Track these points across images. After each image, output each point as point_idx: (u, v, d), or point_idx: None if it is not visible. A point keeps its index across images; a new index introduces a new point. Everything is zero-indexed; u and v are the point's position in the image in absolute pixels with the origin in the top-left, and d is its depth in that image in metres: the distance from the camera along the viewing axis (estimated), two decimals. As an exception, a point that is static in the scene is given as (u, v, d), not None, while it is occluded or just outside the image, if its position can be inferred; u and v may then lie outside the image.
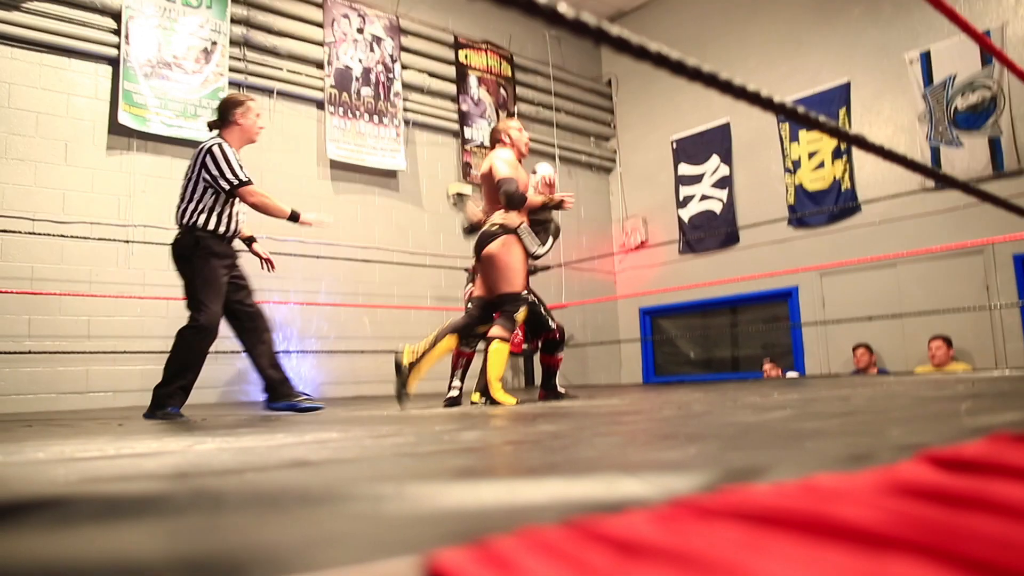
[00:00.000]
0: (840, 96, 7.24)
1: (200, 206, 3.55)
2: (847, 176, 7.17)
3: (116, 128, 5.63)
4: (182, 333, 3.49)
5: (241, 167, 3.60)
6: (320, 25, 6.85)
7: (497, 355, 3.66)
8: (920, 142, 6.64)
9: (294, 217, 3.75)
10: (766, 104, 1.01)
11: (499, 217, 3.79)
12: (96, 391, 5.32)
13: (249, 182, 3.60)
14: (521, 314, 3.77)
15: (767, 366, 7.29)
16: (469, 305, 4.03)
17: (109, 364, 5.38)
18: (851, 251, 6.77)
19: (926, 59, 6.63)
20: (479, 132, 7.80)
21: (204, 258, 3.52)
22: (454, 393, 3.80)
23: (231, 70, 6.21)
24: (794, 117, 1.12)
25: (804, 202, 7.46)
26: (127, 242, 5.53)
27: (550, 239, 3.93)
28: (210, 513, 0.67)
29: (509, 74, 8.32)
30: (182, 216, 3.57)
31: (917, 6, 6.33)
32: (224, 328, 3.68)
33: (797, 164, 7.55)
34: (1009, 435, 0.81)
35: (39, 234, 5.15)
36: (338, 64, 6.89)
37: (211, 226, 3.56)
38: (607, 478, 0.81)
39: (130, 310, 5.48)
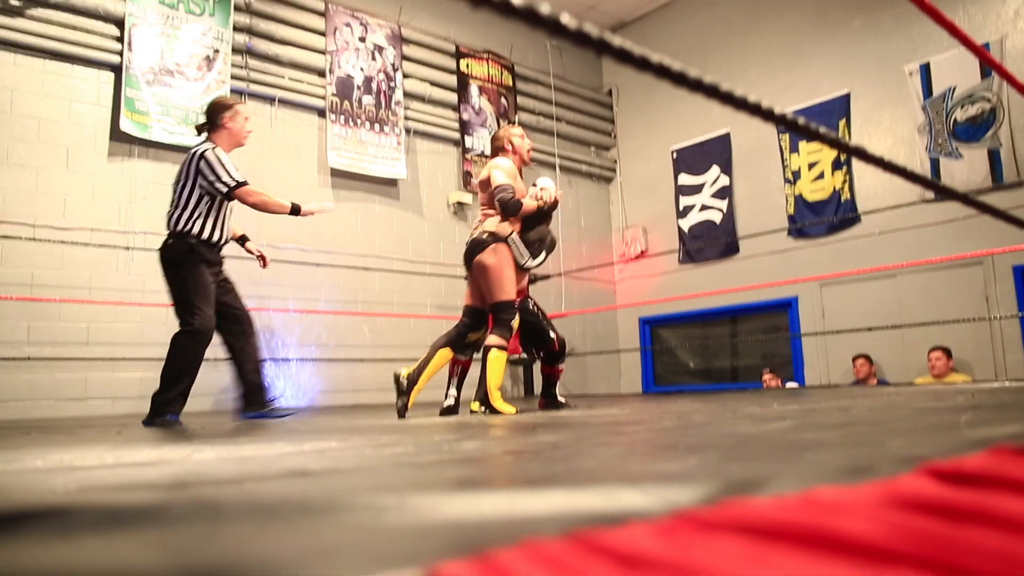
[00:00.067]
0: (840, 107, 7.27)
1: (195, 213, 3.53)
2: (847, 187, 7.18)
3: (118, 135, 5.64)
4: (177, 339, 3.47)
5: (236, 168, 3.60)
6: (322, 34, 6.88)
7: (495, 364, 3.66)
8: (920, 153, 6.66)
9: (295, 210, 3.74)
10: (767, 116, 1.02)
11: (491, 225, 3.78)
12: (95, 398, 5.31)
13: (246, 183, 3.60)
14: (515, 321, 3.77)
15: (767, 376, 7.28)
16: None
17: (108, 371, 5.38)
18: (851, 262, 6.78)
19: (926, 71, 6.66)
20: (480, 141, 7.82)
21: (195, 264, 3.51)
22: (450, 402, 3.80)
23: (233, 78, 6.23)
24: (795, 129, 1.12)
25: (804, 213, 7.47)
26: (127, 249, 5.54)
27: (543, 253, 3.91)
28: (210, 524, 0.66)
29: (510, 83, 8.35)
30: (176, 222, 3.54)
31: (917, 18, 6.36)
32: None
33: (797, 175, 7.57)
34: (1010, 448, 0.81)
35: (40, 240, 5.16)
36: (340, 72, 6.92)
37: (205, 234, 3.55)
38: (608, 489, 0.80)
39: (130, 317, 5.48)
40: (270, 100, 6.53)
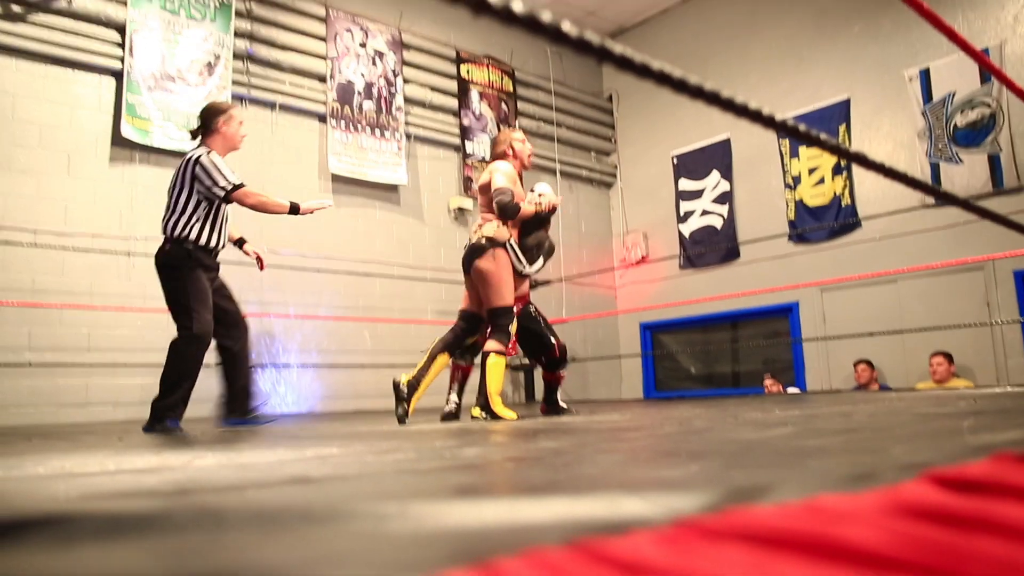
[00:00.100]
0: (840, 112, 7.28)
1: (192, 219, 3.52)
2: (847, 192, 7.19)
3: (119, 140, 5.65)
4: (176, 344, 3.45)
5: (232, 171, 3.60)
6: (323, 39, 6.90)
7: (495, 369, 3.66)
8: (920, 158, 6.67)
9: (294, 210, 3.73)
10: (767, 122, 1.02)
11: (489, 230, 3.78)
12: (96, 404, 5.31)
13: (243, 185, 3.59)
14: (514, 326, 3.78)
15: (768, 382, 7.27)
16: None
17: (109, 376, 5.37)
18: (852, 267, 6.78)
19: (925, 76, 6.67)
20: (480, 146, 7.83)
21: (192, 269, 3.50)
22: (451, 408, 3.79)
23: (234, 83, 6.24)
24: (796, 135, 1.12)
25: (804, 218, 7.48)
26: (128, 255, 5.54)
27: (541, 259, 3.90)
28: (212, 532, 0.66)
29: (510, 89, 8.36)
30: (173, 228, 3.52)
31: (916, 24, 6.37)
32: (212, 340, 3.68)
33: (797, 180, 7.57)
34: (1012, 455, 0.81)
35: (41, 246, 5.16)
36: (340, 78, 6.93)
37: (203, 240, 3.54)
38: (610, 497, 0.80)
39: (131, 322, 5.48)
40: (271, 106, 6.54)
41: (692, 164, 8.53)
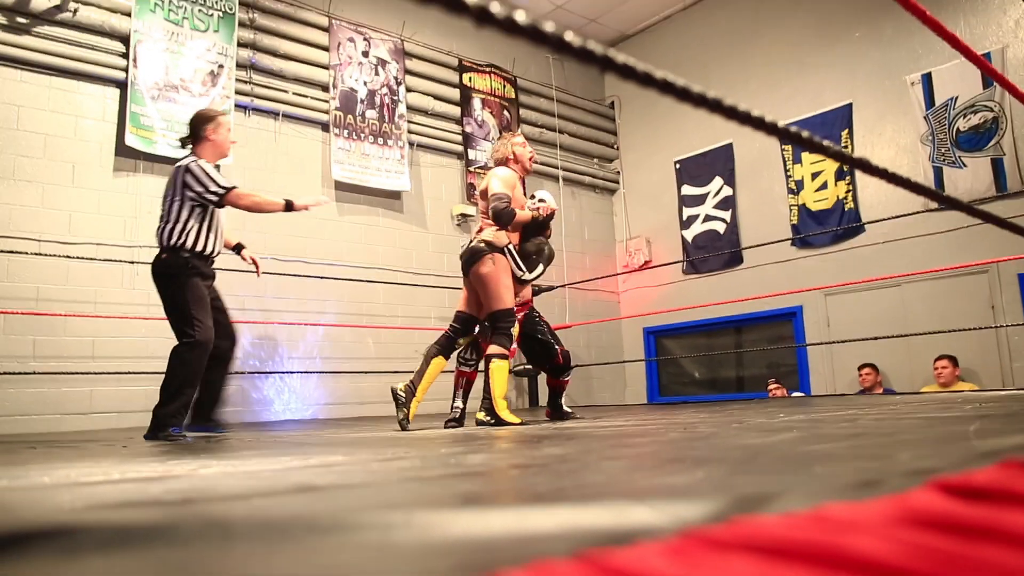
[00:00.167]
0: (843, 117, 7.28)
1: (186, 226, 3.53)
2: (850, 196, 7.18)
3: (123, 150, 5.68)
4: (178, 351, 3.45)
5: (222, 176, 3.62)
6: (325, 48, 6.93)
7: (498, 373, 3.67)
8: (923, 163, 6.66)
9: (289, 207, 3.74)
10: (770, 130, 1.02)
11: (488, 234, 3.79)
12: (100, 412, 5.32)
13: (235, 187, 3.61)
14: (515, 329, 3.78)
15: (772, 386, 7.25)
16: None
17: (114, 384, 5.38)
18: (855, 271, 6.77)
19: (927, 81, 6.67)
20: (483, 154, 7.85)
21: (190, 277, 3.51)
22: (456, 413, 3.80)
23: (237, 93, 6.27)
24: (798, 142, 1.12)
25: (807, 222, 7.47)
26: (132, 263, 5.55)
27: (540, 265, 3.91)
28: (218, 543, 0.66)
29: (513, 96, 8.38)
30: (168, 237, 3.53)
31: (918, 29, 6.38)
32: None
33: (800, 185, 7.57)
34: (1020, 461, 0.81)
35: (45, 255, 5.18)
36: (343, 87, 6.95)
37: (199, 247, 3.55)
38: (616, 505, 0.80)
39: (135, 331, 5.49)
40: (274, 115, 6.57)
41: (695, 169, 8.53)
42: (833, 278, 6.87)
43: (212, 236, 3.61)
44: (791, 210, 7.62)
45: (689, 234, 8.53)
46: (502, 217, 3.73)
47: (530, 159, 4.10)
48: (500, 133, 7.98)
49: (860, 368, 6.65)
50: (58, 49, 5.47)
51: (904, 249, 6.62)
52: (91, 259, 5.37)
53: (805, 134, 1.14)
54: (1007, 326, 5.71)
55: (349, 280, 6.67)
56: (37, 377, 5.09)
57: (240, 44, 6.35)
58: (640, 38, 9.12)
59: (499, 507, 0.93)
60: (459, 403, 3.84)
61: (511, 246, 3.80)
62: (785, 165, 7.69)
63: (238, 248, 3.99)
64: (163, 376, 3.48)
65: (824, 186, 7.38)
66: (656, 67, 0.84)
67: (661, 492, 0.98)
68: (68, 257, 5.26)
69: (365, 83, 7.11)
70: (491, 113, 8.10)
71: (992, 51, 6.30)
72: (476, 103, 7.99)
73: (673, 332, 8.79)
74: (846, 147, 7.18)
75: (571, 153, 8.90)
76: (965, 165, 6.42)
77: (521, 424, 3.57)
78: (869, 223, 6.87)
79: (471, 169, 7.79)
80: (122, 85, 5.73)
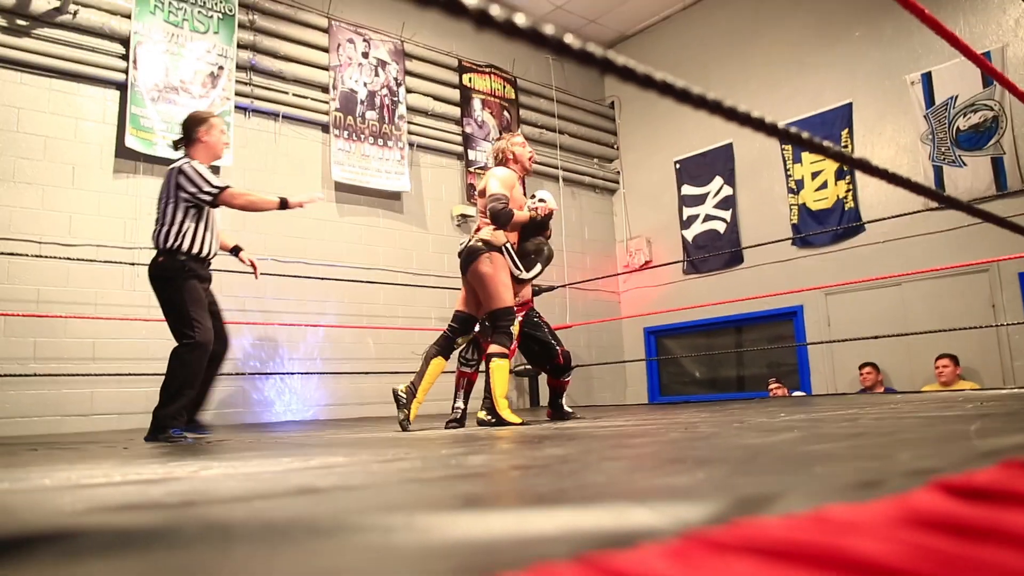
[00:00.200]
0: (842, 117, 7.28)
1: (181, 228, 3.53)
2: (850, 196, 7.18)
3: (123, 152, 5.68)
4: (178, 353, 3.45)
5: (215, 176, 3.62)
6: (325, 50, 6.93)
7: (499, 372, 3.68)
8: (923, 162, 6.66)
9: (284, 204, 3.74)
10: (770, 131, 1.02)
11: (486, 233, 3.80)
12: (101, 413, 5.32)
13: (229, 187, 3.61)
14: (515, 327, 3.79)
15: (773, 385, 7.25)
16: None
17: (114, 386, 5.38)
18: (855, 270, 6.77)
19: (927, 80, 6.67)
20: (483, 154, 7.85)
21: (187, 279, 3.51)
22: (457, 414, 3.81)
23: (237, 94, 6.27)
24: (799, 143, 1.12)
25: (808, 222, 7.47)
26: (133, 265, 5.55)
27: (538, 265, 3.91)
28: (219, 546, 0.66)
29: (513, 97, 8.38)
30: (164, 239, 3.53)
31: (918, 28, 6.37)
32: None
33: (800, 184, 7.57)
34: (1022, 461, 0.81)
35: (46, 257, 5.18)
36: (343, 88, 6.95)
37: (195, 249, 3.55)
38: (617, 507, 0.80)
39: (135, 332, 5.49)
40: (274, 116, 6.57)
41: (695, 169, 8.53)
42: (833, 277, 6.87)
43: (208, 238, 3.61)
44: (791, 210, 7.62)
45: (689, 234, 8.53)
46: (500, 217, 3.73)
47: (529, 159, 4.09)
48: (500, 133, 7.99)
49: (861, 367, 6.65)
50: (58, 51, 5.47)
51: (904, 248, 6.62)
52: (91, 261, 5.38)
53: (805, 134, 1.14)
54: (1008, 325, 5.71)
55: (349, 281, 6.67)
56: (38, 379, 5.09)
57: (240, 46, 6.35)
58: (639, 38, 9.12)
59: (500, 509, 0.93)
60: (460, 403, 3.84)
61: (509, 245, 3.80)
62: (785, 165, 7.69)
63: (235, 250, 3.99)
64: (163, 378, 3.48)
65: (824, 185, 7.38)
66: (656, 67, 0.84)
67: (662, 493, 0.98)
68: (68, 259, 5.26)
69: (365, 84, 7.11)
70: (491, 114, 8.10)
71: (992, 50, 6.30)
72: (476, 104, 7.99)
73: (674, 332, 8.79)
74: (846, 147, 7.18)
75: (571, 153, 8.90)
76: (965, 164, 6.42)
77: (522, 424, 3.57)
78: (869, 222, 6.87)
79: (471, 170, 7.79)
80: (122, 87, 5.73)
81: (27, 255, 5.13)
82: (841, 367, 7.14)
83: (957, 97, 6.48)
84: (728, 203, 8.21)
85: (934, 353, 6.17)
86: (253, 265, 4.00)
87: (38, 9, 5.37)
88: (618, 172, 9.37)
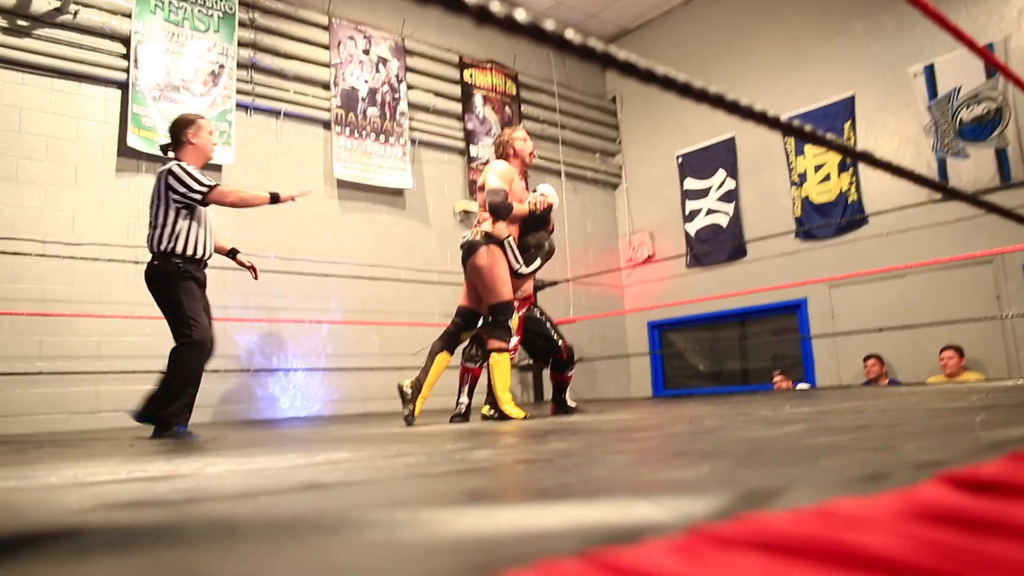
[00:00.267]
0: (845, 110, 7.25)
1: (174, 231, 3.53)
2: (854, 188, 7.16)
3: (125, 151, 5.68)
4: (177, 352, 3.47)
5: (205, 175, 3.62)
6: (326, 47, 6.92)
7: (500, 367, 3.68)
8: (926, 154, 6.64)
9: (275, 199, 3.73)
10: (773, 124, 1.02)
11: (488, 226, 3.79)
12: (106, 411, 5.33)
13: (218, 184, 3.61)
14: (514, 321, 3.79)
15: (777, 378, 7.25)
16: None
17: (119, 384, 5.39)
18: (859, 263, 6.75)
19: (930, 72, 6.64)
20: (485, 150, 7.84)
21: (184, 280, 3.52)
22: (461, 409, 3.82)
23: (238, 92, 6.27)
24: (801, 136, 1.12)
25: (811, 215, 7.45)
26: (136, 263, 5.55)
27: (539, 260, 3.90)
28: (224, 543, 0.66)
29: (514, 92, 8.37)
30: (158, 242, 3.54)
31: (920, 21, 6.32)
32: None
33: (803, 177, 7.55)
34: (1027, 453, 0.81)
35: (49, 256, 5.19)
36: (344, 85, 6.95)
37: (189, 250, 3.55)
38: (622, 501, 0.80)
39: (140, 330, 5.50)
40: (276, 114, 6.57)
41: (697, 163, 8.52)
42: (837, 270, 6.86)
43: (202, 239, 3.60)
44: (794, 203, 7.61)
45: (692, 228, 8.51)
46: (498, 211, 3.73)
47: (530, 154, 4.08)
48: (501, 129, 7.98)
49: (865, 359, 6.64)
50: (59, 51, 5.47)
51: (908, 240, 6.60)
52: (95, 259, 5.39)
53: (808, 127, 1.13)
54: (1012, 316, 5.69)
55: (353, 277, 6.67)
56: (43, 377, 5.11)
57: (241, 44, 6.34)
58: (640, 33, 9.09)
59: (504, 504, 0.93)
60: (464, 399, 3.85)
61: (511, 239, 3.80)
62: (788, 158, 7.67)
63: (232, 253, 3.98)
64: (167, 377, 3.50)
65: (827, 178, 7.36)
66: (656, 62, 0.84)
67: (667, 487, 0.98)
68: (72, 258, 5.27)
69: (366, 81, 7.10)
70: (493, 109, 8.09)
71: (995, 41, 6.26)
72: (477, 99, 7.98)
73: (677, 325, 8.78)
74: (849, 140, 7.15)
75: (573, 148, 8.88)
76: (969, 156, 6.40)
77: (526, 418, 3.57)
78: (873, 215, 6.85)
79: (473, 165, 7.79)
80: (123, 86, 5.73)
81: (31, 254, 5.14)
82: (845, 360, 7.13)
83: (960, 88, 6.45)
84: (731, 197, 8.19)
85: (939, 345, 6.16)
86: (252, 268, 3.99)
87: (39, 9, 5.37)
88: (620, 166, 9.35)
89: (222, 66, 6.17)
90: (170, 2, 5.97)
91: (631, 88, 9.17)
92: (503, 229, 3.79)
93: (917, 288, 6.63)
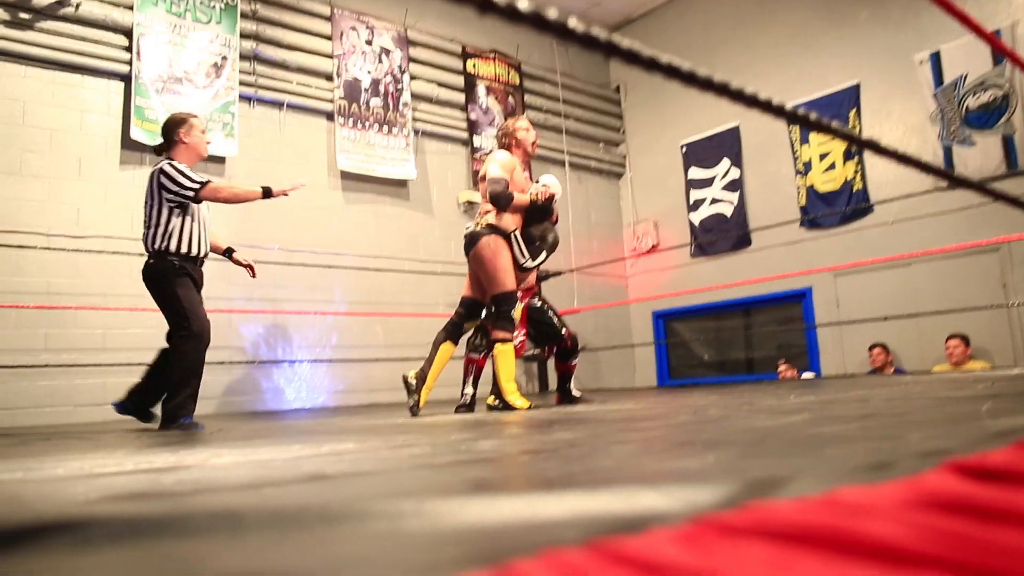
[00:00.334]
0: (850, 98, 7.21)
1: (168, 229, 3.54)
2: (859, 177, 7.13)
3: (129, 143, 5.68)
4: (176, 346, 3.50)
5: (197, 172, 3.62)
6: (329, 38, 6.90)
7: (504, 357, 3.69)
8: (932, 142, 6.60)
9: (267, 193, 3.74)
10: (778, 112, 1.01)
11: (492, 218, 3.79)
12: (113, 403, 5.35)
13: (210, 181, 3.61)
14: (517, 311, 3.79)
15: (782, 367, 7.25)
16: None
17: (125, 376, 5.39)
18: (865, 251, 6.72)
19: (936, 60, 6.59)
20: (488, 140, 7.82)
21: (180, 277, 3.54)
22: (466, 399, 3.82)
23: (241, 84, 6.26)
24: (806, 124, 1.11)
25: (816, 203, 7.43)
26: (141, 255, 5.55)
27: (544, 252, 3.89)
28: (230, 534, 0.67)
29: (517, 82, 8.34)
30: (153, 242, 3.55)
31: (926, 8, 6.29)
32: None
33: (808, 166, 7.52)
34: (1034, 442, 0.80)
35: (54, 249, 5.20)
36: (347, 76, 6.93)
37: (184, 248, 3.56)
38: (627, 491, 0.80)
39: (145, 322, 5.50)
40: (279, 105, 6.56)
41: (701, 152, 8.48)
42: (842, 259, 6.83)
43: (197, 236, 3.61)
44: (799, 191, 7.58)
45: (696, 217, 8.49)
46: (499, 200, 3.73)
47: (533, 144, 4.07)
48: (505, 119, 7.96)
49: (871, 348, 6.63)
50: (61, 44, 5.46)
51: (914, 229, 6.57)
52: (99, 252, 5.40)
53: (813, 115, 1.13)
54: (1019, 304, 5.67)
55: (357, 269, 6.68)
56: (49, 370, 5.13)
57: (243, 35, 6.33)
58: (644, 21, 9.04)
59: (509, 494, 0.93)
60: (469, 389, 3.86)
61: (517, 233, 3.79)
62: (792, 146, 7.64)
63: (228, 252, 3.98)
64: (168, 371, 3.52)
65: (832, 167, 7.33)
66: (661, 50, 0.83)
67: (672, 476, 0.98)
68: (76, 251, 5.28)
69: (369, 72, 7.08)
70: (496, 99, 8.06)
71: (1002, 28, 6.21)
72: (480, 90, 7.95)
73: (682, 315, 8.78)
74: (854, 128, 7.11)
75: (577, 138, 8.86)
76: (975, 143, 6.36)
77: (530, 408, 3.58)
78: (878, 203, 6.82)
79: (476, 156, 7.77)
80: (126, 79, 5.73)
81: (35, 247, 5.16)
82: (851, 348, 7.11)
83: (967, 76, 6.40)
84: (735, 186, 8.16)
85: (944, 333, 6.14)
86: (249, 266, 4.00)
87: (41, 2, 5.36)
88: (624, 156, 9.32)
89: (225, 58, 6.16)
90: (172, -7, 5.95)
91: (635, 77, 9.12)
92: (510, 222, 3.79)
93: (922, 276, 6.60)
